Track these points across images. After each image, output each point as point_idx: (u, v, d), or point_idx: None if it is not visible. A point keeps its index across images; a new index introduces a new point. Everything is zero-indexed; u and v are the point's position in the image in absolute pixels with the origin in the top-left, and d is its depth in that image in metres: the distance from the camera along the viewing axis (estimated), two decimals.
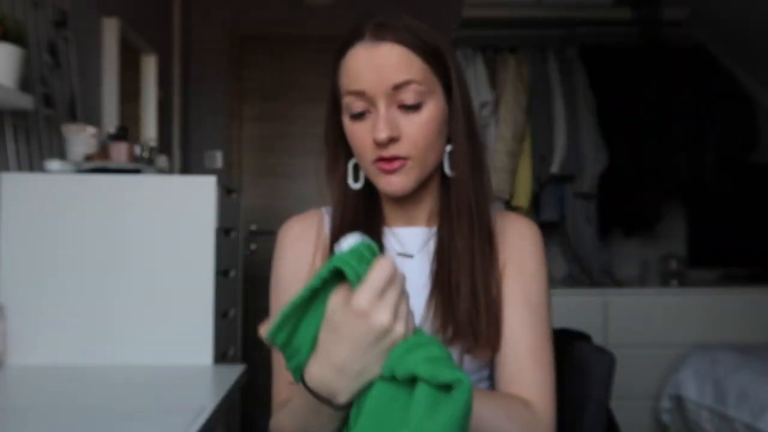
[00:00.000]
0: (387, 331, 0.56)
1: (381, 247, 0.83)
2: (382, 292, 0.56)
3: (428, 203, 0.85)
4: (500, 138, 2.56)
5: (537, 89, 2.64)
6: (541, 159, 2.62)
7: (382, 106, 0.74)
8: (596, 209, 2.65)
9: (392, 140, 0.74)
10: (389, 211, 0.87)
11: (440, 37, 0.78)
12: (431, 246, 0.83)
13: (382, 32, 0.74)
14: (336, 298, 0.58)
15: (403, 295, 0.58)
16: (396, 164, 0.75)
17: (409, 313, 0.59)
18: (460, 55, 2.67)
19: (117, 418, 0.99)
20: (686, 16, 2.76)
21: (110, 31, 2.07)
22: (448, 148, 0.80)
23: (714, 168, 2.64)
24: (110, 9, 2.11)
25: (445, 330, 0.76)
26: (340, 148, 0.84)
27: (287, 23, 3.17)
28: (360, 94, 0.75)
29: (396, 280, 0.57)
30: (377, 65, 0.73)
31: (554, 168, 2.58)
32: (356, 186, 0.83)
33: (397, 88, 0.73)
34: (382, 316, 0.55)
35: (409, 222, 0.86)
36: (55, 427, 0.95)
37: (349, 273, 0.56)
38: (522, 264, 0.83)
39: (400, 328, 0.56)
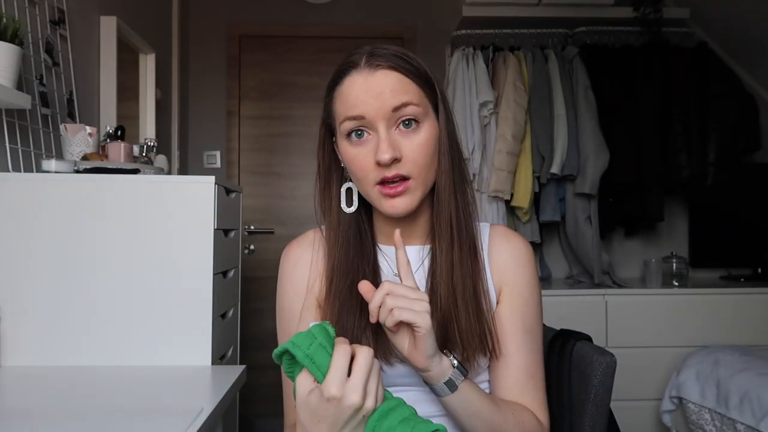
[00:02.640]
0: (358, 409, 0.63)
1: (376, 267, 0.88)
2: (354, 375, 0.63)
3: (423, 221, 0.89)
4: (500, 137, 2.56)
5: (537, 89, 2.63)
6: (541, 159, 2.62)
7: (382, 129, 0.77)
8: (597, 209, 2.64)
9: (395, 160, 0.77)
10: (384, 231, 0.90)
11: (426, 65, 0.82)
12: (427, 263, 0.87)
13: (377, 59, 0.77)
14: (304, 382, 0.65)
15: (373, 367, 0.65)
16: (400, 188, 0.78)
17: (379, 383, 0.65)
18: (461, 55, 2.66)
19: (115, 419, 0.98)
20: (688, 15, 2.76)
21: (108, 29, 2.06)
22: None
23: (716, 168, 2.62)
24: (108, 7, 2.10)
25: (442, 342, 0.81)
26: (332, 174, 0.87)
27: (287, 22, 3.16)
28: (359, 119, 0.78)
29: (361, 359, 0.64)
30: (375, 91, 0.76)
31: (554, 168, 2.58)
32: (349, 210, 0.86)
33: (396, 110, 0.77)
34: (353, 397, 0.62)
35: (404, 241, 0.89)
36: (53, 428, 0.94)
37: (299, 355, 0.64)
38: (518, 290, 0.88)
39: (369, 403, 0.64)
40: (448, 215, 0.82)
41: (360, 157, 0.79)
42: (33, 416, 1.00)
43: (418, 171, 0.79)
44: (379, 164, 0.77)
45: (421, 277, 0.87)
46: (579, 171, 2.59)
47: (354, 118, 0.78)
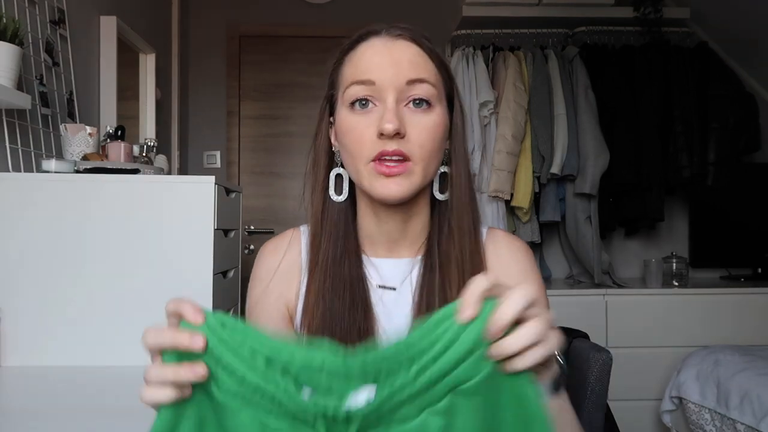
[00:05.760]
0: None
1: (361, 276, 0.78)
2: None
3: (415, 231, 0.80)
4: (500, 137, 2.55)
5: (537, 89, 2.63)
6: (541, 159, 2.62)
7: (390, 100, 0.70)
8: (597, 209, 2.64)
9: (398, 135, 0.69)
10: (371, 239, 0.81)
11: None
12: (414, 275, 0.79)
13: (400, 30, 0.75)
14: None
15: None
16: (398, 168, 0.70)
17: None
18: (461, 55, 2.66)
19: (115, 419, 0.98)
20: (688, 15, 2.76)
21: (108, 29, 2.06)
22: (443, 169, 0.77)
23: (716, 168, 2.62)
24: (108, 7, 2.10)
25: None
26: (325, 156, 0.79)
27: (287, 22, 3.16)
28: (369, 84, 0.72)
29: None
30: (394, 59, 0.72)
31: (554, 168, 2.57)
32: (337, 199, 0.78)
33: (411, 83, 0.71)
34: None
35: (391, 252, 0.81)
36: (53, 428, 0.94)
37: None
38: None
39: None
40: (464, 223, 0.76)
41: (360, 127, 0.71)
42: (33, 416, 1.00)
43: (421, 154, 0.71)
44: (380, 136, 0.69)
45: (406, 291, 0.78)
46: (579, 171, 2.58)
47: (363, 82, 0.71)
